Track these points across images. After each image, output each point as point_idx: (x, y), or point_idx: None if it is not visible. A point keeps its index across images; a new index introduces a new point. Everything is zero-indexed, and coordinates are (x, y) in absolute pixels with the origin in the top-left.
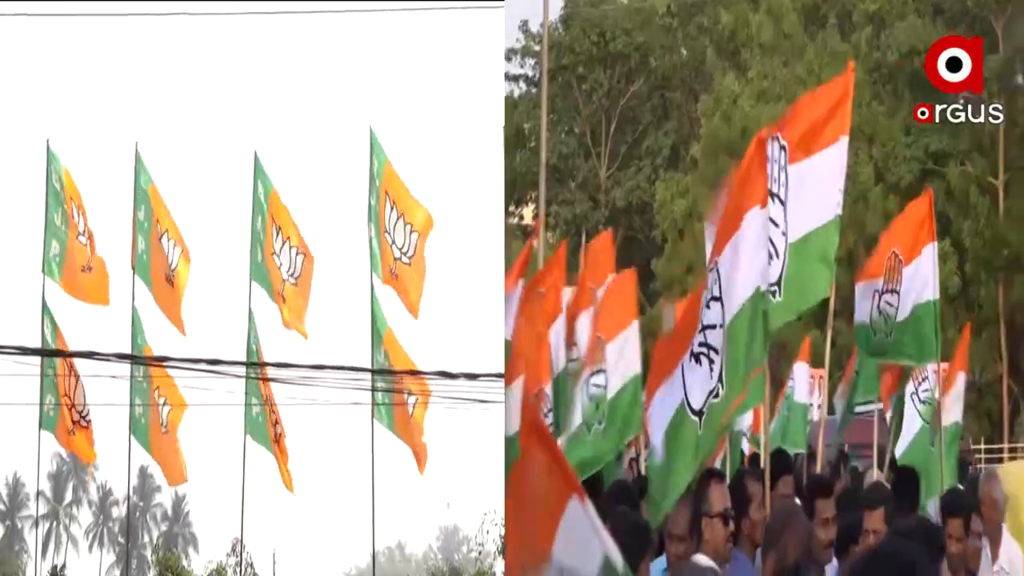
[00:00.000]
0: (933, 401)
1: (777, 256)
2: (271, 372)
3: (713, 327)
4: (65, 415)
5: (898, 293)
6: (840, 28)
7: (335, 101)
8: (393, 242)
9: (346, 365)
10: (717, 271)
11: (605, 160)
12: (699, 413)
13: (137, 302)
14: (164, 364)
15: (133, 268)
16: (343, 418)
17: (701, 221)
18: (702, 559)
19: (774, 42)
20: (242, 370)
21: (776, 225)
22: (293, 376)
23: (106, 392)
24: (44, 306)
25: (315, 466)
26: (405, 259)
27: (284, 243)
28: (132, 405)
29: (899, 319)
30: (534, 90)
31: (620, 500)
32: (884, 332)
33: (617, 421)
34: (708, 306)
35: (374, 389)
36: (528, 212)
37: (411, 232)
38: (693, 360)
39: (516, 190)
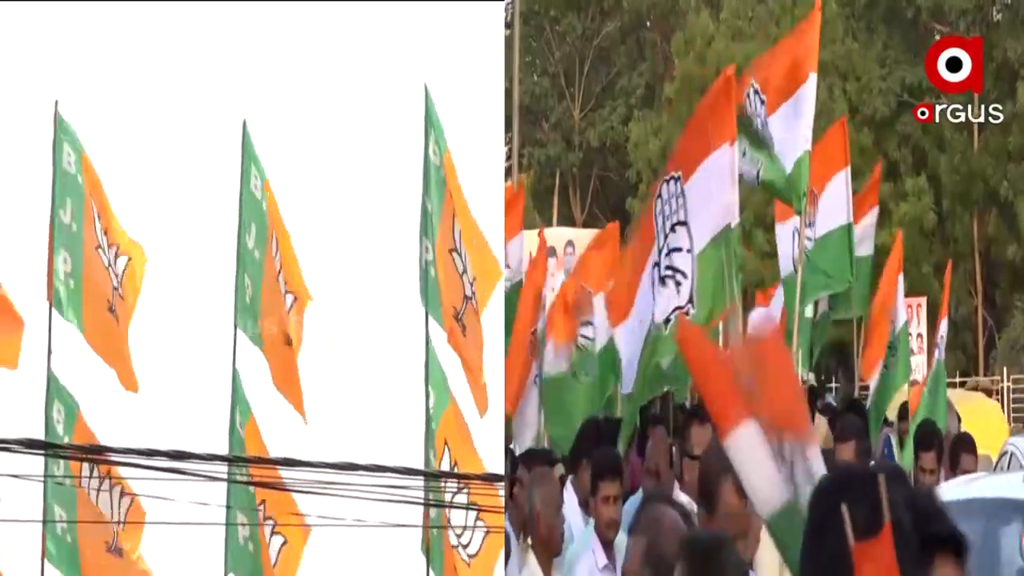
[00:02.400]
0: (892, 345)
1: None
2: (261, 472)
3: (680, 250)
4: None
5: (814, 225)
6: None
7: (365, 48)
8: (464, 271)
9: (387, 465)
10: (683, 195)
11: (579, 101)
12: (666, 321)
13: (62, 356)
14: (102, 459)
15: (50, 301)
16: (381, 546)
17: None
18: (682, 496)
19: None
20: (222, 468)
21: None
22: (303, 480)
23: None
24: None
25: None
26: (474, 300)
27: (279, 272)
28: (47, 521)
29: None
30: (507, 32)
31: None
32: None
33: (608, 375)
34: (674, 229)
35: (428, 503)
36: (502, 153)
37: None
38: (660, 283)
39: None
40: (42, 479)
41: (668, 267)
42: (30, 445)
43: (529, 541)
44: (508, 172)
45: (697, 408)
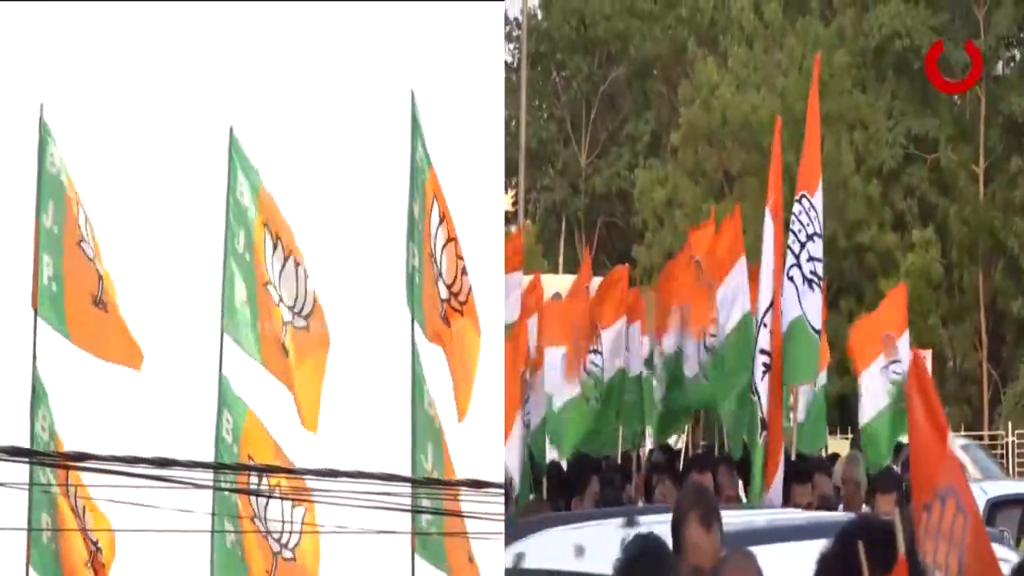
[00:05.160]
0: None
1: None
2: (249, 479)
3: (820, 260)
4: None
5: (716, 322)
6: (821, 14)
7: (351, 52)
8: (440, 275)
9: (371, 472)
10: (814, 207)
11: (585, 147)
12: (817, 332)
13: (46, 361)
14: (84, 466)
15: (35, 307)
16: (367, 554)
17: (681, 209)
18: None
19: (754, 30)
20: (207, 476)
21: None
22: (286, 488)
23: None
24: None
25: None
26: (456, 302)
27: (286, 261)
28: (31, 529)
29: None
30: (514, 77)
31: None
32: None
33: (612, 403)
34: (812, 239)
35: (416, 510)
36: (508, 198)
37: (461, 269)
38: (806, 284)
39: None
40: (26, 487)
41: (812, 272)
42: (14, 453)
43: None
44: (514, 216)
45: (697, 457)
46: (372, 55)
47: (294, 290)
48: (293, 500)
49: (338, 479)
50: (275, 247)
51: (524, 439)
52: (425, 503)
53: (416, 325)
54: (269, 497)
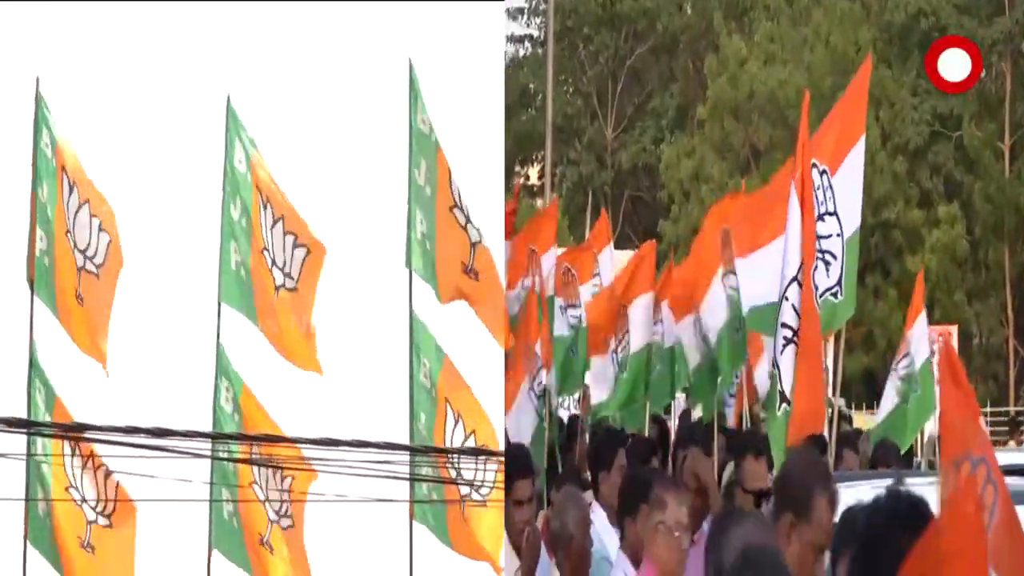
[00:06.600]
0: (912, 378)
1: (835, 258)
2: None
3: (829, 236)
4: None
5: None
6: None
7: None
8: (468, 220)
9: (372, 441)
10: (831, 187)
11: (611, 121)
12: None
13: (43, 334)
14: (82, 436)
15: (31, 282)
16: (366, 522)
17: (707, 183)
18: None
19: (779, 5)
20: (205, 445)
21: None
22: (285, 456)
23: None
24: None
25: None
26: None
27: (276, 223)
28: (29, 499)
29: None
30: (539, 51)
31: None
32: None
33: (640, 378)
34: (823, 219)
35: (414, 478)
36: (534, 172)
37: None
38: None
39: (521, 150)
40: (24, 457)
41: (820, 250)
42: (12, 424)
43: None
44: (541, 190)
45: (751, 440)
46: (371, 24)
47: (283, 254)
48: (293, 469)
49: (338, 448)
50: (272, 217)
51: (536, 410)
52: (424, 471)
53: (413, 293)
54: (268, 467)
